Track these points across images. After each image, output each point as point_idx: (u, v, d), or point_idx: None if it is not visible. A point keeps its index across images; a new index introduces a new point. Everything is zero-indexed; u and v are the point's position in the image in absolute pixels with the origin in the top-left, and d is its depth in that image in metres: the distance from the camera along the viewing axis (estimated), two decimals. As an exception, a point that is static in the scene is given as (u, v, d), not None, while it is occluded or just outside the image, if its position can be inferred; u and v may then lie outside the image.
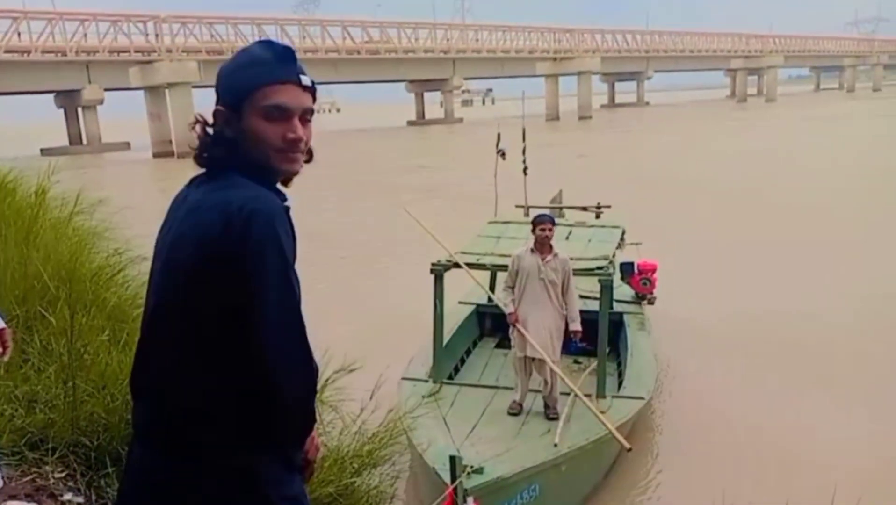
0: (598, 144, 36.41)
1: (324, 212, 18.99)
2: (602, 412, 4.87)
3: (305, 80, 1.52)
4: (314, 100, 1.57)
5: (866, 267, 10.53)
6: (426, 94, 66.42)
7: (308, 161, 1.60)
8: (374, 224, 16.56)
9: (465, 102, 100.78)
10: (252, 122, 1.47)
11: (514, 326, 5.08)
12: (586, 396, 5.11)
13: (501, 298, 5.28)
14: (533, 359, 5.06)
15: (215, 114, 1.51)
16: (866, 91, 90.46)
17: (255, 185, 1.45)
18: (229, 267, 1.38)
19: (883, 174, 19.37)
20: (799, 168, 22.22)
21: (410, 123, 65.54)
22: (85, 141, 47.65)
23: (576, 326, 5.11)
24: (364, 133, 57.79)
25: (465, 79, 64.01)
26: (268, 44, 1.53)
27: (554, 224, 5.16)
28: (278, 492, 1.51)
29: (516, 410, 5.07)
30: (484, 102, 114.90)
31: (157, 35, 41.74)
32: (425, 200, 19.66)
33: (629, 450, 4.35)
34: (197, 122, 1.54)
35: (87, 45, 41.62)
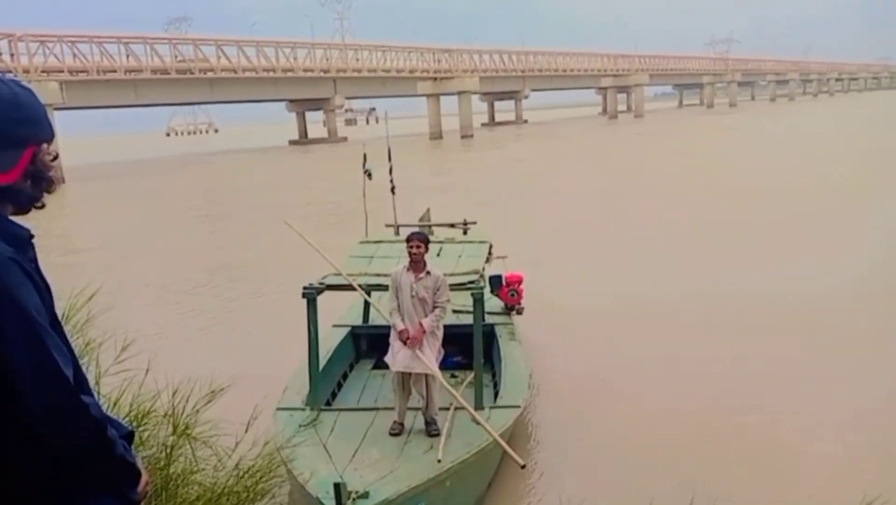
0: (469, 162, 37.62)
1: (185, 234, 18.36)
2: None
3: None
4: None
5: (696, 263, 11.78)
6: (309, 114, 65.66)
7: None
8: (241, 245, 16.17)
9: (349, 121, 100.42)
10: (40, 168, 1.55)
11: (406, 343, 5.02)
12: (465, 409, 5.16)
13: (391, 319, 5.20)
14: (410, 375, 5.05)
15: None
16: (723, 106, 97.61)
17: None
18: None
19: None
20: (649, 177, 24.04)
21: (293, 143, 64.56)
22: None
23: (432, 333, 5.09)
24: (242, 154, 56.41)
25: (347, 98, 63.80)
26: (34, 94, 1.57)
27: (424, 242, 5.19)
28: None
29: (398, 431, 5.04)
30: (368, 121, 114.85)
31: (11, 55, 38.93)
32: (302, 219, 19.43)
33: (523, 467, 4.37)
34: None
35: (-71, 64, 38.31)
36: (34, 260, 1.53)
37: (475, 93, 65.01)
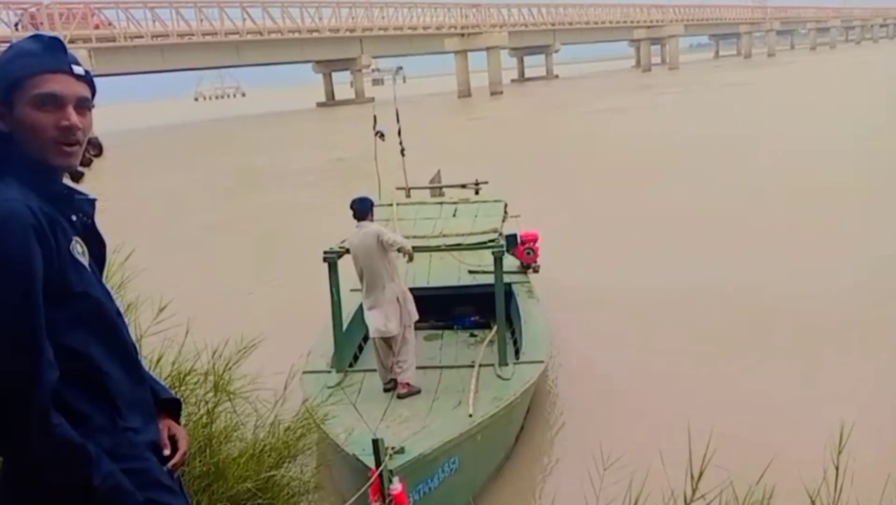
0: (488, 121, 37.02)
1: (207, 201, 18.41)
2: (506, 379, 5.02)
3: (78, 69, 1.51)
4: (92, 91, 1.55)
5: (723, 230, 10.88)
6: (336, 75, 65.28)
7: (97, 155, 1.60)
8: (257, 216, 15.86)
9: (376, 81, 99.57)
10: (24, 113, 1.45)
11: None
12: (489, 365, 5.24)
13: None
14: (391, 339, 5.21)
15: None
16: (762, 56, 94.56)
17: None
18: None
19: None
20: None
21: (320, 105, 64.44)
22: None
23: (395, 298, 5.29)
24: (271, 116, 56.55)
25: (374, 57, 63.29)
26: (36, 37, 1.49)
27: None
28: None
29: (392, 386, 5.16)
30: (395, 81, 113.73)
31: (40, 23, 39.19)
32: (322, 181, 19.60)
33: None
34: None
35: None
36: (90, 217, 1.53)
37: (504, 48, 63.99)
